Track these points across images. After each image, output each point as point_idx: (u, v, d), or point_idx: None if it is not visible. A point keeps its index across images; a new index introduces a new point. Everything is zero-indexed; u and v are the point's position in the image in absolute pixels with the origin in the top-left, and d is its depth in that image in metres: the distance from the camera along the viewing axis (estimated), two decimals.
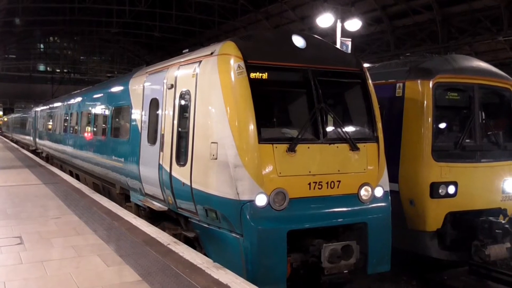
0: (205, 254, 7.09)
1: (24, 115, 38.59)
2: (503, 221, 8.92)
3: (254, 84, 6.82)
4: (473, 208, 9.02)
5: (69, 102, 19.11)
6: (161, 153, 8.50)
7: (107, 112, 12.98)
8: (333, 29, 21.45)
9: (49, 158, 23.57)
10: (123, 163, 10.77)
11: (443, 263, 9.61)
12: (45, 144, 24.29)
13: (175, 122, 8.12)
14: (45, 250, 6.99)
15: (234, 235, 6.77)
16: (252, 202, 6.53)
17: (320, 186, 6.97)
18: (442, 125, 9.34)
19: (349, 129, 7.47)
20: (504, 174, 9.35)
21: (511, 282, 9.47)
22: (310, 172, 6.91)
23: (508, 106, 9.80)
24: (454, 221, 8.98)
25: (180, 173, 7.73)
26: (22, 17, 41.35)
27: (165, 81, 8.71)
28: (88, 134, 14.99)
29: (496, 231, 8.62)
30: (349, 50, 19.18)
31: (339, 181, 7.12)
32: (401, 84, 9.15)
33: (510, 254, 9.17)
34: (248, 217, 6.50)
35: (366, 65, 8.55)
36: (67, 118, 18.77)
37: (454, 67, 9.22)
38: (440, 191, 8.66)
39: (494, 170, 9.27)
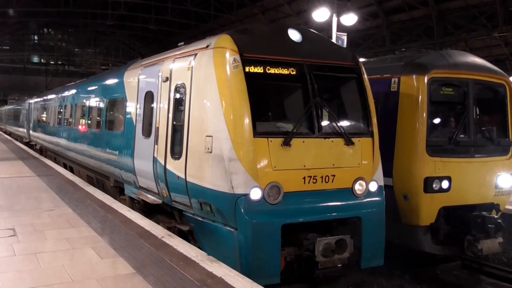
0: (199, 248, 7.09)
1: (17, 107, 38.33)
2: (495, 216, 8.98)
3: (250, 78, 6.80)
4: (466, 203, 9.08)
5: (63, 94, 19.01)
6: (156, 146, 8.48)
7: (101, 105, 12.92)
8: (329, 24, 21.41)
9: (42, 151, 23.47)
10: (117, 156, 10.73)
11: (436, 258, 9.68)
12: (39, 137, 24.17)
13: (170, 115, 8.09)
14: (39, 242, 6.98)
15: (228, 228, 6.77)
16: (246, 195, 6.53)
17: (314, 180, 6.98)
18: (437, 120, 9.37)
19: (344, 123, 7.47)
20: (497, 170, 9.39)
21: (503, 277, 9.56)
22: (304, 166, 6.92)
23: (502, 101, 9.82)
24: (447, 216, 9.03)
25: (174, 167, 7.72)
26: (16, 8, 40.99)
27: (160, 74, 8.68)
28: (82, 126, 14.93)
29: (489, 226, 8.69)
30: (345, 45, 19.17)
31: (334, 176, 7.13)
32: (396, 79, 9.16)
33: (502, 248, 9.25)
34: (242, 210, 6.50)
35: (361, 59, 8.54)
36: (61, 110, 18.67)
37: (449, 63, 9.23)
38: (434, 186, 8.70)
39: (487, 165, 9.32)
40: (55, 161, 19.34)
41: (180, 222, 8.31)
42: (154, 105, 8.87)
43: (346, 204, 7.26)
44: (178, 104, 7.93)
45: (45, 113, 23.07)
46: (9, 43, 69.52)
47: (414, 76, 8.88)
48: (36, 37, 71.70)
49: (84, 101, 15.00)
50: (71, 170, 16.47)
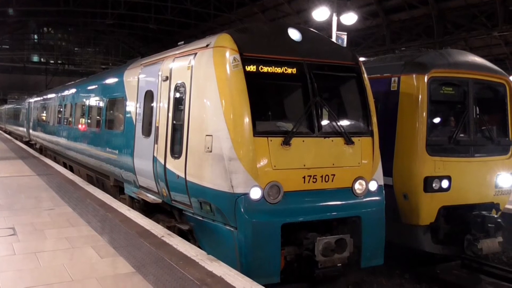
0: (199, 247, 7.09)
1: (17, 106, 38.34)
2: (495, 216, 8.98)
3: (250, 77, 6.79)
4: (466, 203, 9.07)
5: (63, 94, 19.00)
6: (156, 145, 8.47)
7: (101, 104, 12.91)
8: (329, 23, 21.40)
9: (42, 150, 23.46)
10: (117, 155, 10.73)
11: (436, 257, 9.67)
12: (39, 136, 24.17)
13: (170, 114, 8.09)
14: (39, 241, 6.98)
15: (228, 228, 6.77)
16: (246, 195, 6.52)
17: (314, 180, 6.98)
18: (437, 120, 9.36)
19: (344, 123, 7.46)
20: (497, 169, 9.39)
21: (502, 276, 9.56)
22: (304, 165, 6.91)
23: (502, 101, 9.82)
24: (447, 215, 9.03)
25: (174, 166, 7.72)
26: (15, 7, 40.97)
27: (160, 73, 8.67)
28: (82, 125, 14.93)
29: (489, 225, 8.69)
30: (345, 44, 19.16)
31: (334, 175, 7.13)
32: (396, 78, 9.15)
33: (502, 248, 9.24)
34: (242, 210, 6.50)
35: (361, 59, 8.53)
36: (61, 109, 18.67)
37: (449, 62, 9.22)
38: (433, 185, 8.69)
39: (487, 164, 9.32)
40: (55, 160, 19.33)
41: (180, 221, 8.31)
42: (154, 104, 8.87)
43: (346, 204, 7.26)
44: (178, 104, 7.92)
45: (45, 112, 23.07)
46: (9, 42, 69.48)
47: (414, 75, 8.88)
48: (36, 36, 71.67)
49: (84, 100, 15.00)
50: (71, 169, 16.46)
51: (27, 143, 28.31)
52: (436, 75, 8.93)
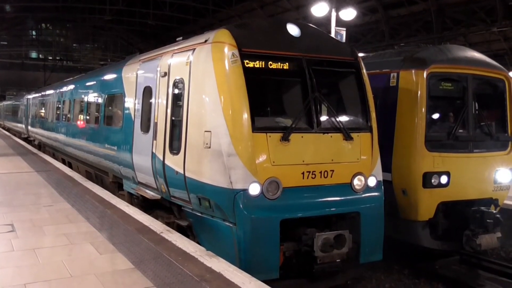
0: (198, 243, 7.09)
1: (16, 103, 38.28)
2: (494, 211, 9.00)
3: (248, 73, 6.77)
4: (465, 198, 9.08)
5: (61, 90, 18.97)
6: (154, 141, 8.46)
7: (100, 100, 12.89)
8: (327, 19, 21.36)
9: (41, 146, 23.44)
10: (116, 151, 10.72)
11: (434, 253, 9.69)
12: (37, 132, 24.14)
13: (169, 110, 8.07)
14: (37, 238, 6.97)
15: (227, 223, 6.77)
16: (245, 191, 6.52)
17: (313, 176, 6.97)
18: (436, 115, 9.36)
19: (343, 118, 7.46)
20: (496, 165, 9.39)
21: (501, 271, 9.58)
22: (303, 161, 6.91)
23: (501, 96, 9.80)
24: (446, 211, 9.04)
25: (173, 162, 7.71)
26: (13, 3, 40.86)
27: (158, 69, 8.65)
28: (80, 122, 14.90)
29: (488, 220, 8.71)
30: (344, 40, 19.12)
31: (333, 171, 7.12)
32: (395, 74, 9.14)
33: (500, 243, 9.26)
34: (241, 206, 6.49)
35: (360, 54, 8.51)
36: (60, 105, 18.64)
37: (448, 57, 9.21)
38: (432, 181, 8.69)
39: (486, 160, 9.31)
40: (53, 156, 19.31)
41: (179, 218, 8.31)
42: (152, 100, 8.84)
43: (345, 199, 7.26)
44: (177, 99, 7.90)
45: (43, 108, 23.03)
46: (7, 39, 69.29)
47: (413, 71, 8.86)
48: (34, 32, 71.48)
49: (83, 96, 14.97)
50: (70, 165, 16.45)
51: (26, 139, 28.28)
52: (435, 71, 8.91)
